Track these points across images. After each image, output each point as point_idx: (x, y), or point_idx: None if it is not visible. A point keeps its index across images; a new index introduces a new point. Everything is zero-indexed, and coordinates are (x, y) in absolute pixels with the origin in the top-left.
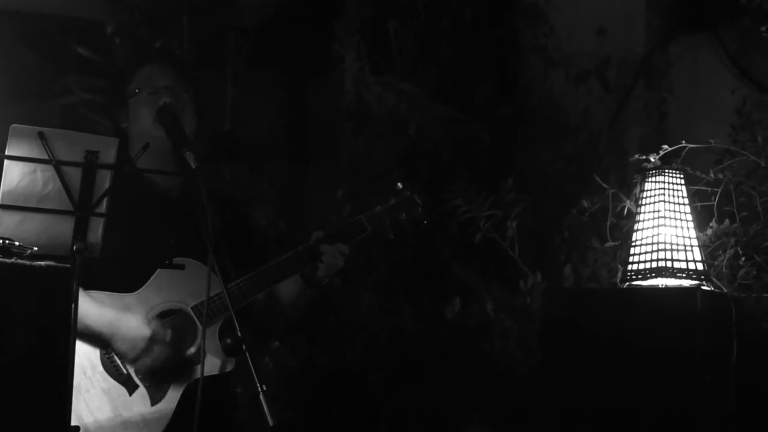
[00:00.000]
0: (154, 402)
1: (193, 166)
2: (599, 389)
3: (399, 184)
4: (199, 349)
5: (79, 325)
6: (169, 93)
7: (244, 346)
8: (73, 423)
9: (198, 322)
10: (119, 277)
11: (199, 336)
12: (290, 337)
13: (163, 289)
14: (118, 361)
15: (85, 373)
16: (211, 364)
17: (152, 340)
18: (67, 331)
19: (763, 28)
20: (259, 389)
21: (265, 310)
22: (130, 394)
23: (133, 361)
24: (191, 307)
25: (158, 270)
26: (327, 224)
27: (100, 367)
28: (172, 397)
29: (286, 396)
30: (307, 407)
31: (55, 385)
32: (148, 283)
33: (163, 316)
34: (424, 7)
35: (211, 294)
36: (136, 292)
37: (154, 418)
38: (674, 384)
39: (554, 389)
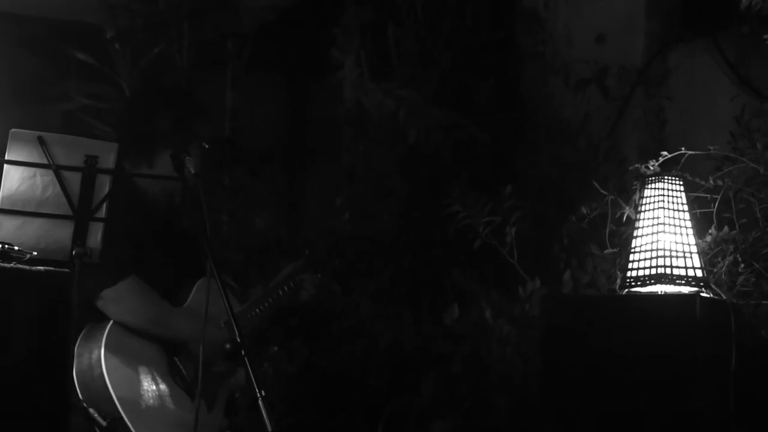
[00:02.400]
0: (210, 407)
1: (193, 171)
2: (598, 395)
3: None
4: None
5: (169, 333)
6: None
7: (243, 352)
8: (143, 427)
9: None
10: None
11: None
12: (289, 343)
13: (203, 304)
14: (183, 371)
15: (154, 380)
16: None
17: (214, 327)
18: (65, 335)
19: (765, 36)
20: (258, 395)
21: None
22: (192, 400)
23: (209, 359)
24: (224, 322)
25: (196, 285)
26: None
27: (166, 375)
28: (221, 404)
29: (286, 401)
30: (306, 412)
31: (54, 388)
32: (190, 297)
33: None
34: (424, 9)
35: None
36: (184, 306)
37: (210, 422)
38: (674, 390)
39: (554, 395)
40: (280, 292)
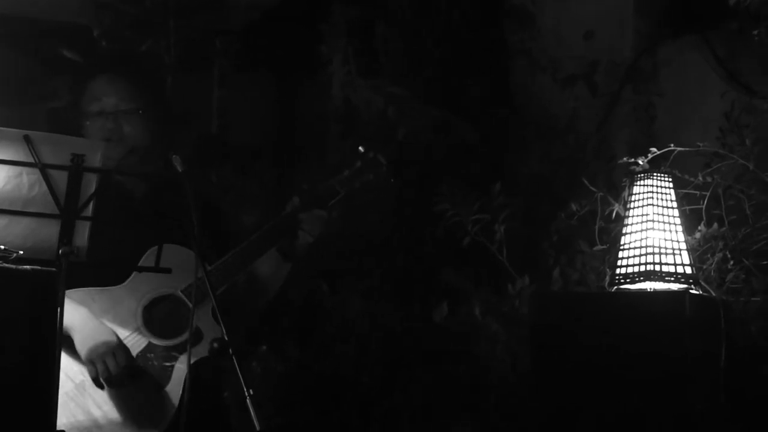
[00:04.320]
0: (162, 385)
1: (180, 169)
2: (588, 392)
3: (360, 147)
4: (196, 330)
5: None
6: (113, 118)
7: (230, 350)
8: (81, 418)
9: (189, 304)
10: (104, 272)
11: (193, 316)
12: (278, 341)
13: (151, 277)
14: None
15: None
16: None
17: (116, 348)
18: (53, 335)
19: (755, 32)
20: (246, 394)
21: (245, 293)
22: (111, 387)
23: (86, 363)
24: (181, 291)
25: (143, 259)
26: (300, 192)
27: (79, 373)
28: (179, 380)
29: (275, 400)
30: (298, 411)
31: (42, 389)
32: (135, 273)
33: (155, 302)
34: (411, 7)
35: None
36: (124, 283)
37: (162, 401)
38: (664, 387)
39: (543, 392)
40: (265, 236)
